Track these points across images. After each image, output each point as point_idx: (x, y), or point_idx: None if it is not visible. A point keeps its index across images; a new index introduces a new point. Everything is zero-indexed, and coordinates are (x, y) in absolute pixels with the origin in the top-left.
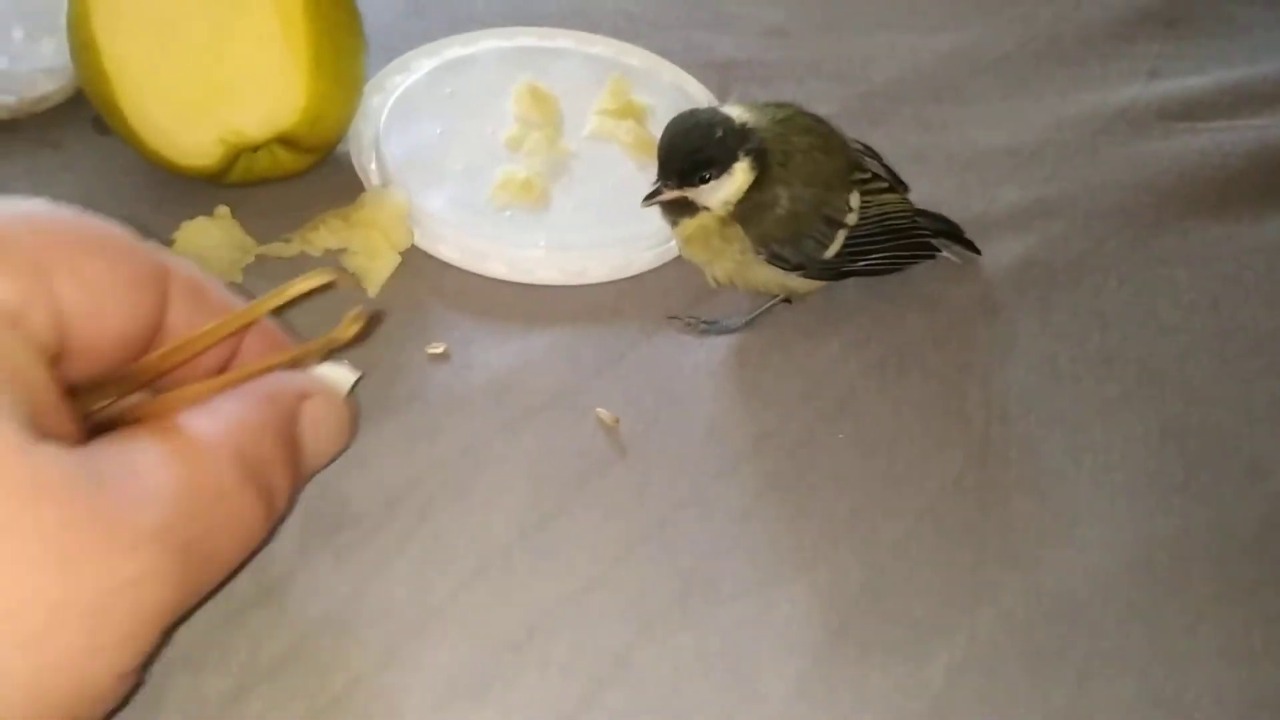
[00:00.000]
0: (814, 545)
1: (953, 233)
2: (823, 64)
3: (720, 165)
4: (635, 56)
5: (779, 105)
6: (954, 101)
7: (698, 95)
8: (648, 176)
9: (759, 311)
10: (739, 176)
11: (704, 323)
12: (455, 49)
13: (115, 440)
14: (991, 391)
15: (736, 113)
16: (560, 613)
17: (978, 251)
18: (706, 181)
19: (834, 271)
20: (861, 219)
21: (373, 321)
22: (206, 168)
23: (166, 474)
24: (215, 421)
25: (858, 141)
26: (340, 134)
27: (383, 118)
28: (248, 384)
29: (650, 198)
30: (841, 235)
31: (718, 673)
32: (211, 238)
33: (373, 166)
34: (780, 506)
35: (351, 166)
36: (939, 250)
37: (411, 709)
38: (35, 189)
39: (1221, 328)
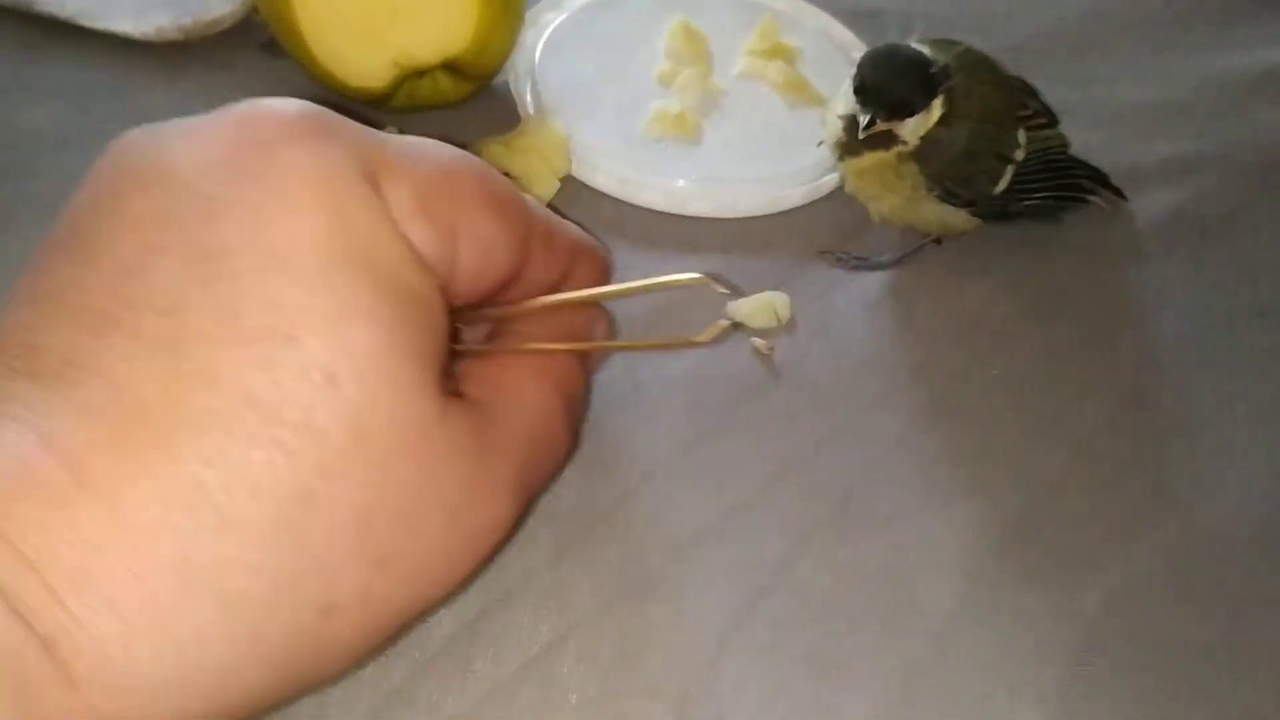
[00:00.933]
0: (969, 475)
1: (1100, 178)
2: (966, 17)
3: (921, 99)
4: (782, 1)
5: (949, 42)
6: (1100, 57)
7: (844, 40)
8: (796, 115)
9: (910, 250)
10: (933, 112)
11: (855, 258)
12: None
13: (475, 385)
14: (1143, 338)
15: (925, 50)
16: (720, 524)
17: (1125, 197)
18: (913, 115)
19: (999, 209)
20: (1027, 155)
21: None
22: (375, 91)
23: (520, 423)
24: (552, 369)
25: (1018, 77)
26: (500, 64)
27: (538, 52)
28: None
29: (867, 129)
30: (1010, 171)
31: (877, 586)
32: None
33: (529, 98)
34: (934, 436)
35: (506, 98)
36: (1092, 193)
37: (582, 603)
38: (209, 108)
39: None
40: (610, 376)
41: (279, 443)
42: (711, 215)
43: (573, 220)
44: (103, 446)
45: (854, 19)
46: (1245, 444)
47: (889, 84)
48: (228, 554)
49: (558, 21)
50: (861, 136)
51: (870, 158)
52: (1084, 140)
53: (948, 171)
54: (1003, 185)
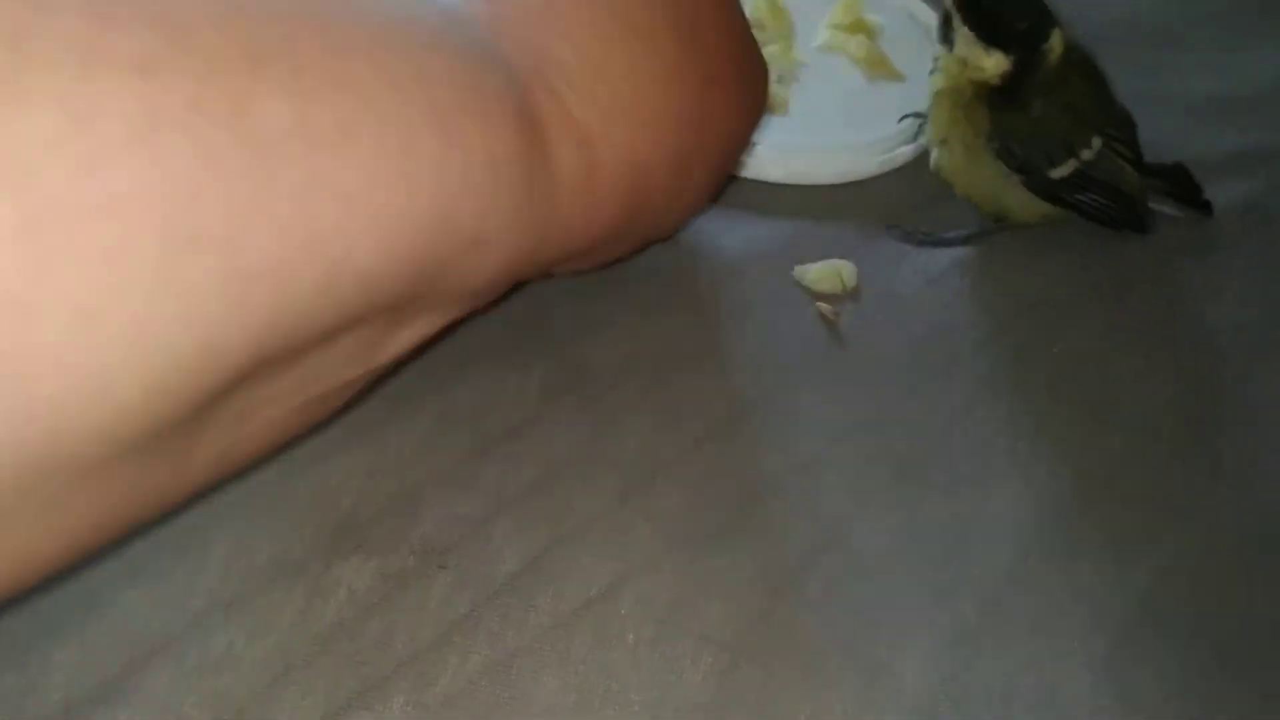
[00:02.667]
0: (1028, 448)
1: (1183, 194)
2: None
3: (987, 33)
4: None
5: (1077, 45)
6: (1173, 48)
7: (926, 19)
8: (875, 89)
9: (978, 232)
10: (988, 62)
11: (923, 233)
12: None
13: None
14: (1207, 325)
15: (1056, 35)
16: (780, 482)
17: (1210, 212)
18: (970, 27)
19: (1051, 191)
20: (1094, 164)
21: None
22: None
23: None
24: None
25: (1125, 109)
26: None
27: None
28: None
29: (945, 25)
30: (1072, 164)
31: (930, 551)
32: None
33: None
34: (995, 408)
35: None
36: (1144, 228)
37: (642, 547)
38: None
39: None
40: (677, 330)
41: None
42: (785, 181)
43: None
44: None
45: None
46: None
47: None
48: (644, 5)
49: None
50: (941, 24)
51: (951, 75)
52: (1155, 129)
53: (1011, 127)
54: (1061, 172)
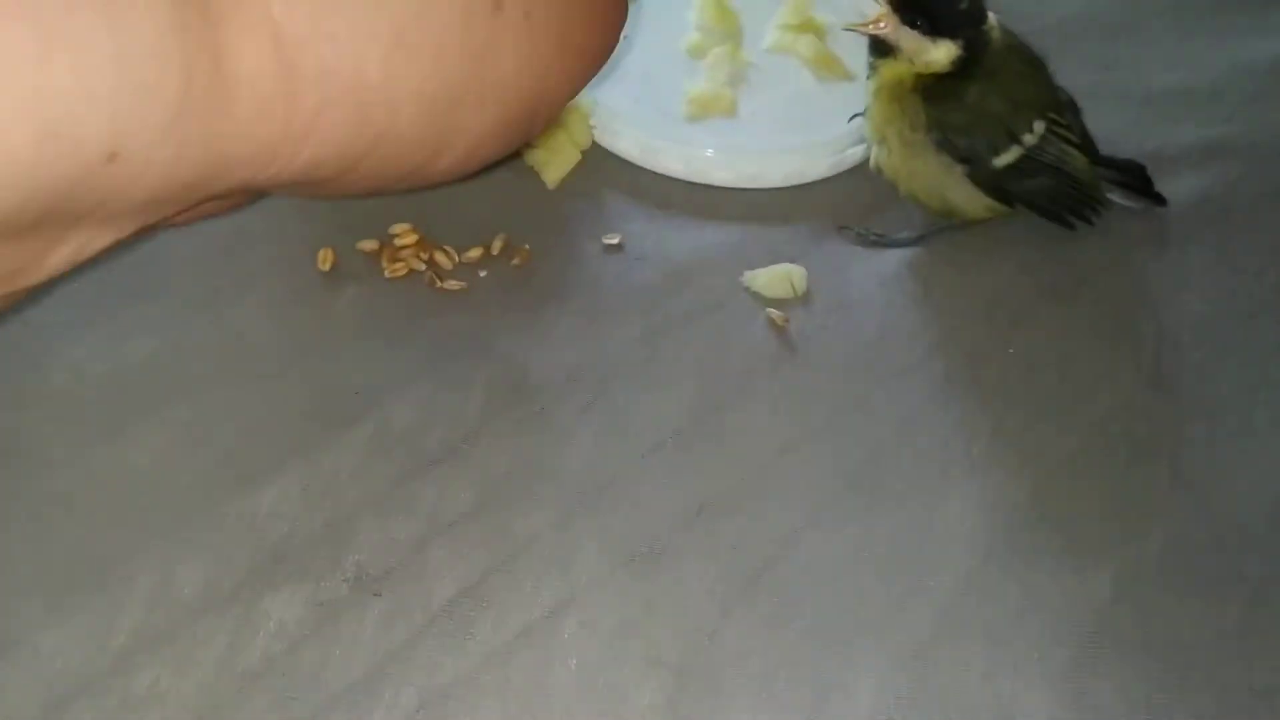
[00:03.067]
0: (984, 453)
1: (1138, 185)
2: (998, 0)
3: (932, 24)
4: None
5: (1010, 32)
6: (1129, 42)
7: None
8: (825, 89)
9: (931, 230)
10: (940, 53)
11: (875, 235)
12: None
13: None
14: (1164, 321)
15: (992, 16)
16: (729, 495)
17: (1164, 203)
18: (916, 27)
19: (995, 182)
20: (1040, 149)
21: None
22: None
23: None
24: None
25: (1070, 95)
26: None
27: None
28: None
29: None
30: (1015, 151)
31: (885, 562)
32: None
33: None
34: (949, 414)
35: None
36: (1096, 217)
37: (586, 568)
38: None
39: None
40: (625, 341)
41: None
42: (733, 185)
43: (594, 186)
44: None
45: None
46: (1265, 429)
47: None
48: None
49: None
50: (870, 20)
51: (888, 71)
52: (1110, 123)
53: (949, 118)
54: (1004, 160)
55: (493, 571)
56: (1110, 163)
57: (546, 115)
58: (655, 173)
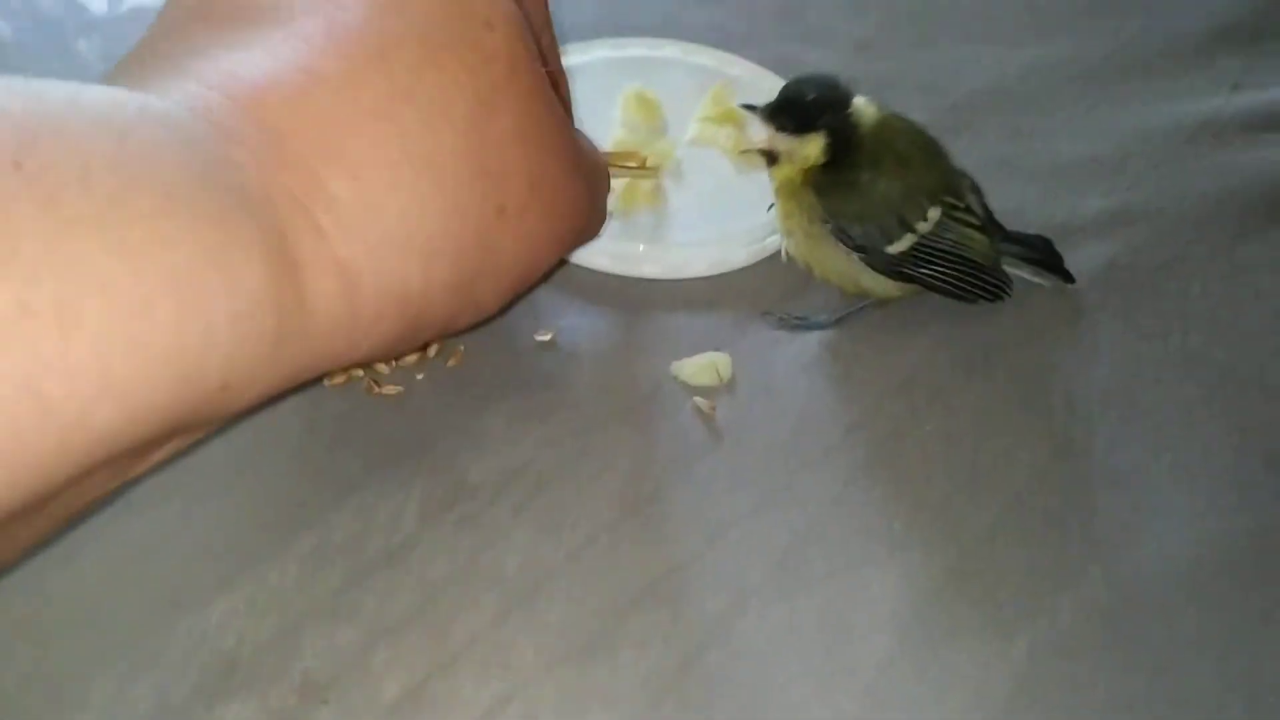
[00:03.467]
0: (904, 530)
1: (1047, 261)
2: (909, 75)
3: (795, 123)
4: (737, 66)
5: (901, 117)
6: (1038, 112)
7: None
8: (746, 179)
9: (849, 311)
10: (811, 147)
11: (796, 318)
12: (570, 57)
13: None
14: (1075, 390)
15: (859, 101)
16: (662, 584)
17: (1072, 280)
18: (783, 130)
19: (897, 271)
20: (937, 235)
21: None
22: None
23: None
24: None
25: (968, 176)
26: None
27: None
28: None
29: (748, 105)
30: (909, 239)
31: (812, 644)
32: None
33: None
34: (871, 493)
35: None
36: (1006, 294)
37: (524, 666)
38: None
39: None
40: (558, 438)
41: (464, 60)
42: (660, 277)
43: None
44: (329, 55)
45: None
46: (1171, 493)
47: (782, 92)
48: (438, 137)
49: None
50: (741, 104)
51: (780, 172)
52: (1019, 194)
53: (841, 207)
54: (899, 248)
55: (434, 673)
56: (1019, 239)
57: (537, 277)
58: (585, 268)
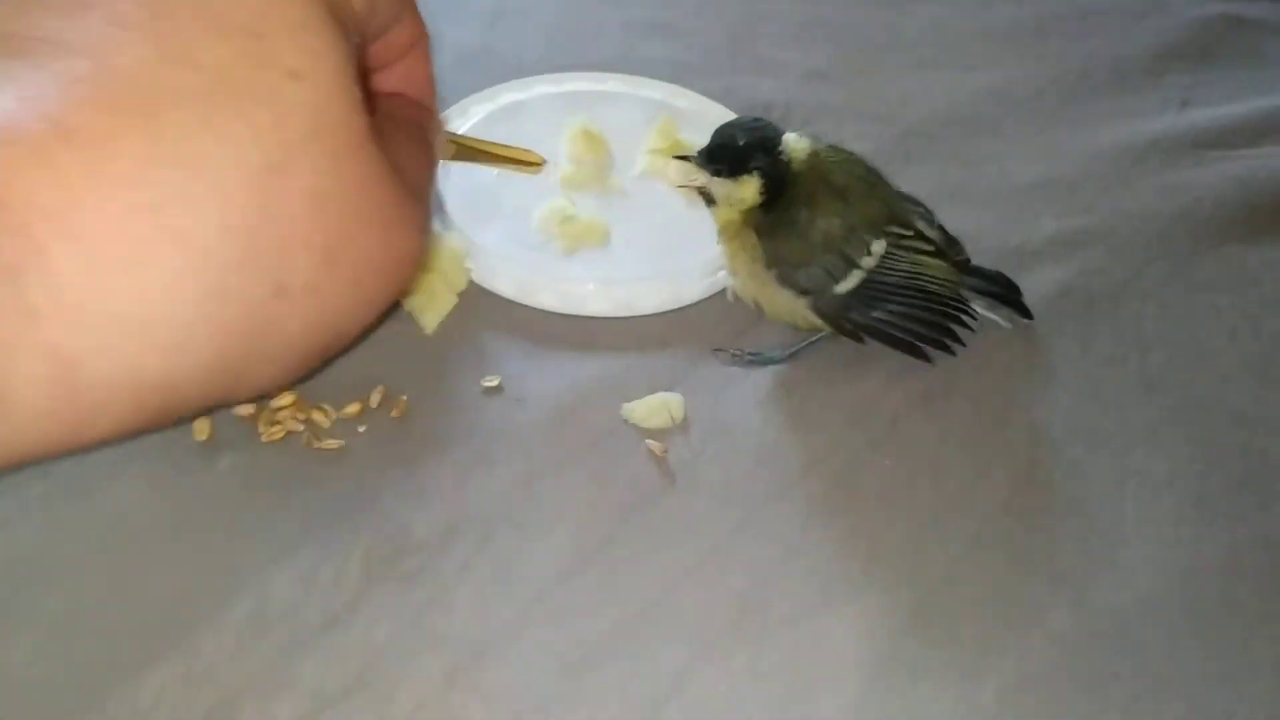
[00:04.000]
0: (865, 569)
1: (1006, 296)
2: (861, 104)
3: (729, 167)
4: (684, 99)
5: (838, 149)
6: (990, 137)
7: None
8: (695, 213)
9: (802, 345)
10: (746, 189)
11: (749, 354)
12: (511, 94)
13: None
14: (1035, 417)
15: (789, 138)
16: (617, 637)
17: (1030, 316)
18: (719, 174)
19: (842, 311)
20: (884, 268)
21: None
22: None
23: (419, 180)
24: (427, 146)
25: (917, 203)
26: None
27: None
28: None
29: (682, 156)
30: (856, 276)
31: (774, 693)
32: None
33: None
34: (830, 531)
35: None
36: (973, 323)
37: None
38: None
39: (1262, 350)
40: (505, 487)
41: (252, 120)
42: (610, 314)
43: (472, 328)
44: (86, 106)
45: (750, 113)
46: (1135, 519)
47: (714, 137)
48: (201, 210)
49: (462, 129)
50: (675, 155)
51: (721, 214)
52: (974, 220)
53: (782, 252)
54: (847, 286)
55: None
56: (978, 272)
57: (341, 347)
58: (533, 308)
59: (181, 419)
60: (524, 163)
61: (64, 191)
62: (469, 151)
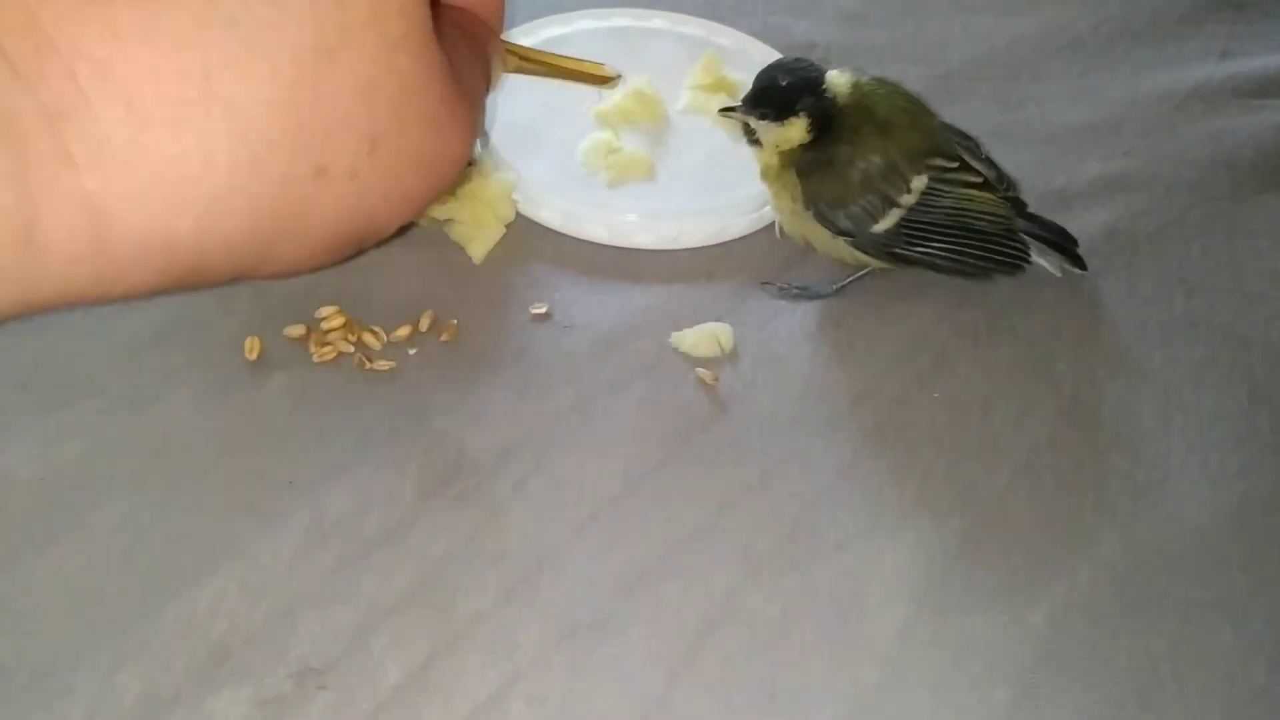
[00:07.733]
0: (915, 498)
1: (1060, 244)
2: (900, 46)
3: (776, 110)
4: (725, 36)
5: (881, 81)
6: (1030, 80)
7: None
8: (740, 148)
9: (850, 279)
10: (794, 130)
11: (796, 288)
12: (553, 28)
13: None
14: (1081, 355)
15: (832, 75)
16: (670, 558)
17: (1084, 267)
18: (765, 119)
19: (889, 252)
20: (924, 204)
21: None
22: None
23: (474, 85)
24: (485, 59)
25: (966, 135)
26: None
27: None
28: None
29: (726, 109)
30: (895, 214)
31: (826, 615)
32: None
33: (477, 146)
34: (879, 461)
35: None
36: (1026, 263)
37: (530, 644)
38: None
39: None
40: (557, 411)
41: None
42: (656, 247)
43: (519, 257)
44: None
45: (796, 51)
46: (1183, 455)
47: (758, 81)
48: (251, 82)
49: None
50: (718, 113)
51: (762, 155)
52: (1016, 162)
53: (820, 192)
54: (885, 225)
55: (437, 655)
56: (1034, 219)
57: (375, 240)
58: (579, 239)
59: (202, 285)
60: (596, 76)
61: (115, 43)
62: (531, 65)
